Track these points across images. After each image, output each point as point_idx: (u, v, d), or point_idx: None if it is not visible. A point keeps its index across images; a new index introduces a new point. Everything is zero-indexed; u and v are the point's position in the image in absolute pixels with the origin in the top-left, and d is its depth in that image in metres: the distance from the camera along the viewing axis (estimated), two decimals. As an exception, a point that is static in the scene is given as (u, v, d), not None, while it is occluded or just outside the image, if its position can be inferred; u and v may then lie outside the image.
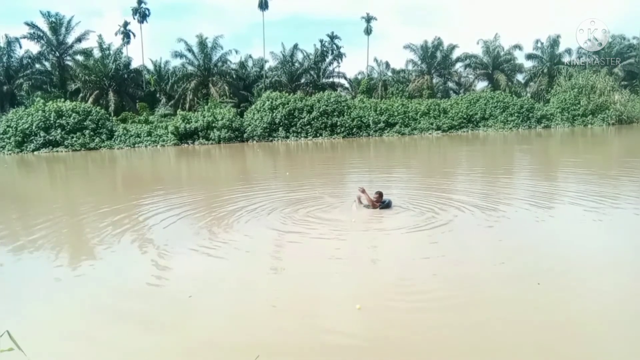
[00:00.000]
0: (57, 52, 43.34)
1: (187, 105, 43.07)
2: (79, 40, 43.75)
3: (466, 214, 8.36)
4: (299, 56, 48.87)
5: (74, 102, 36.14)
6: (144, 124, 37.04)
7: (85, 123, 34.08)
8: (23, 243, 7.65)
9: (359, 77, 57.28)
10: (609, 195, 9.81)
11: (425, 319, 4.31)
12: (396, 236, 7.15)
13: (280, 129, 36.33)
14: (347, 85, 54.47)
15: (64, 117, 33.64)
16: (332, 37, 50.94)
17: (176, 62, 48.20)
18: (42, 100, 35.33)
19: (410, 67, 53.30)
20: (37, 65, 44.32)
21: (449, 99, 45.22)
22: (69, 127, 33.52)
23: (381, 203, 8.63)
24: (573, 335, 3.95)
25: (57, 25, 42.64)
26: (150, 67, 51.62)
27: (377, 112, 38.93)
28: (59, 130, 33.20)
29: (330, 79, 51.31)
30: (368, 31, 55.15)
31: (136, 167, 24.09)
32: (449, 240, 6.78)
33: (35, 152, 32.45)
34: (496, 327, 4.06)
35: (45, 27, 42.33)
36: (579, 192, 10.09)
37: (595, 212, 8.12)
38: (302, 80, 49.18)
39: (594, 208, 8.45)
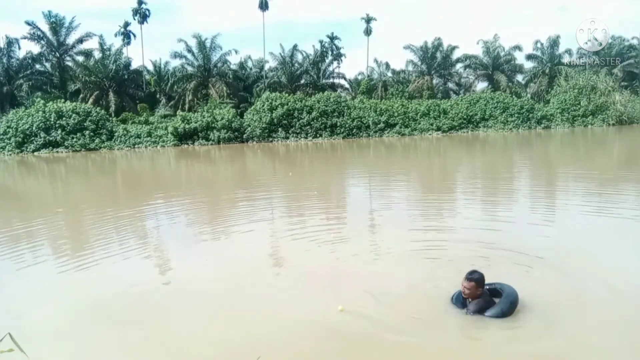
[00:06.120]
0: (57, 53, 43.29)
1: (186, 106, 43.00)
2: (79, 41, 43.68)
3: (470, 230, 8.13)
4: (299, 57, 48.82)
5: (74, 103, 36.08)
6: (144, 125, 36.99)
7: (85, 124, 34.03)
8: (23, 245, 7.65)
9: (359, 77, 57.24)
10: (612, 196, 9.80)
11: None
12: (395, 242, 7.09)
13: (280, 129, 36.29)
14: (347, 85, 54.39)
15: (64, 118, 33.61)
16: (332, 38, 50.90)
17: (176, 63, 48.20)
18: (42, 101, 35.26)
19: (410, 67, 53.25)
20: (37, 66, 44.23)
21: (449, 100, 45.13)
22: (69, 127, 33.48)
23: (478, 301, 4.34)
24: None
25: (57, 25, 42.60)
26: (150, 67, 51.68)
27: (377, 112, 38.88)
28: (59, 131, 33.17)
29: (330, 80, 51.23)
30: (368, 32, 55.10)
31: (136, 168, 24.08)
32: (441, 256, 6.20)
33: (36, 153, 32.44)
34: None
35: (45, 27, 42.33)
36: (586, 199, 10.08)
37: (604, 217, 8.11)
38: (302, 81, 49.11)
39: (601, 211, 8.45)
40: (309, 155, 26.24)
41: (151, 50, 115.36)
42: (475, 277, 4.24)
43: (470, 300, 4.27)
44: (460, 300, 4.37)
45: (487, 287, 4.36)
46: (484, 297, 4.24)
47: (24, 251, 7.24)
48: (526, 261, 5.71)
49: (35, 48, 43.30)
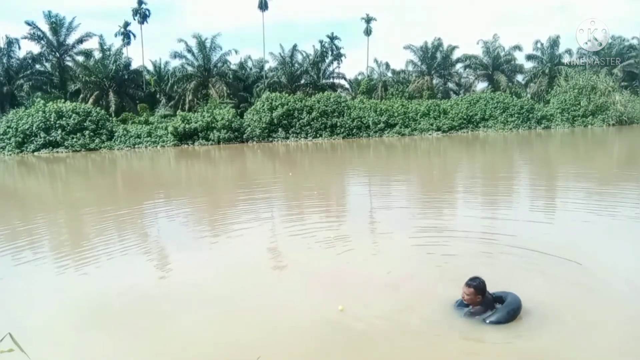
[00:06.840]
0: (57, 53, 43.30)
1: (186, 106, 43.00)
2: (79, 41, 43.71)
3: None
4: (299, 57, 48.80)
5: (74, 103, 36.09)
6: (144, 125, 37.00)
7: (85, 124, 34.04)
8: (24, 244, 7.65)
9: (359, 77, 57.25)
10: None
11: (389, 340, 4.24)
12: (395, 242, 7.06)
13: (280, 129, 36.31)
14: (347, 86, 54.40)
15: (64, 118, 33.62)
16: (332, 38, 50.91)
17: (176, 63, 48.23)
18: (42, 101, 35.27)
19: (410, 67, 53.26)
20: (37, 66, 44.25)
21: (449, 100, 45.11)
22: (69, 127, 33.49)
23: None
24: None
25: (57, 25, 42.61)
26: (150, 67, 51.69)
27: (377, 112, 38.88)
28: (59, 131, 33.19)
29: (330, 80, 51.21)
30: (368, 32, 55.12)
31: (136, 168, 24.08)
32: (441, 257, 6.12)
33: (36, 153, 32.45)
34: None
35: (45, 27, 42.35)
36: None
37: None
38: (302, 81, 49.11)
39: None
40: (309, 155, 26.24)
41: (151, 50, 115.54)
42: (475, 284, 4.15)
43: (471, 306, 4.24)
44: (463, 306, 4.34)
45: (493, 295, 4.28)
46: (485, 305, 4.18)
47: (24, 251, 7.24)
48: (527, 260, 5.71)
49: (36, 48, 43.41)
